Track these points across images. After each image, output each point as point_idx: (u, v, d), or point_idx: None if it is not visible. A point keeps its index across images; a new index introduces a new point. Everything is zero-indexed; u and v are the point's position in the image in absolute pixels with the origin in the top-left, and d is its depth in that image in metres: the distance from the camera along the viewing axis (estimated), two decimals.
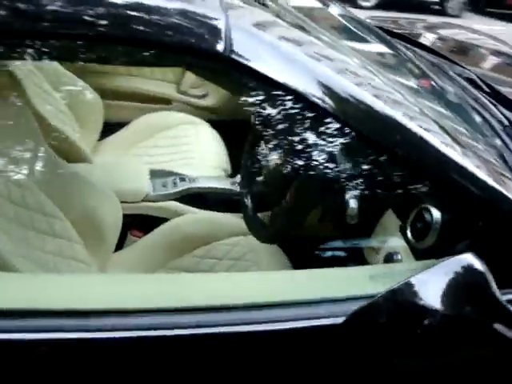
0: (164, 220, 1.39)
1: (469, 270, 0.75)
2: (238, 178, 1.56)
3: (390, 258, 0.94)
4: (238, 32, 0.71)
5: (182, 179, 1.49)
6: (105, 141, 1.78)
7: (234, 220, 1.43)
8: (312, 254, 1.29)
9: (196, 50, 0.68)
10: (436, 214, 0.86)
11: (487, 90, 1.36)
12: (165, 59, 0.76)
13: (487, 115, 1.17)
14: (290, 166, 0.92)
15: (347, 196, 0.89)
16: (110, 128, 1.79)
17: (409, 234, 0.91)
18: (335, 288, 0.78)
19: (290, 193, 0.98)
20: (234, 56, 0.68)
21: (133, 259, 1.31)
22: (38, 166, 1.10)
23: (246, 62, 0.69)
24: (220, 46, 0.67)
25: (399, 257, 0.92)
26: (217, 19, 0.71)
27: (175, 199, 1.44)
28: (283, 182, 1.00)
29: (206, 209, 1.46)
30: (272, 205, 1.10)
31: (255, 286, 0.79)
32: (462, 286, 0.76)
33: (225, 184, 1.54)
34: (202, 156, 1.74)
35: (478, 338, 0.79)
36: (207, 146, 1.80)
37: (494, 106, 1.24)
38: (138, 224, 1.40)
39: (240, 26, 0.74)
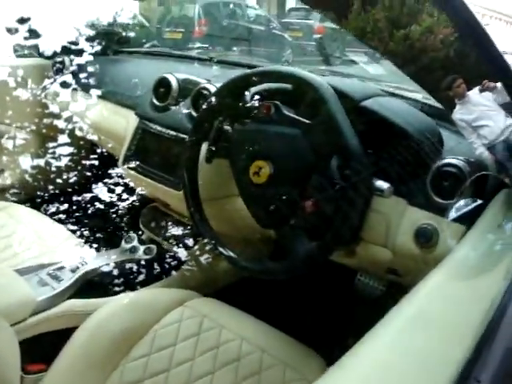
0: (67, 332, 0.94)
1: None
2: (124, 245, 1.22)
3: (424, 232, 0.81)
4: None
5: (59, 268, 1.06)
6: None
7: (159, 292, 1.09)
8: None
9: None
10: (461, 163, 0.80)
11: None
12: None
13: None
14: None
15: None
16: None
17: (436, 199, 0.81)
18: None
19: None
20: None
21: None
22: None
23: None
24: None
25: (434, 224, 0.81)
26: None
27: (69, 296, 1.00)
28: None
29: (115, 292, 1.07)
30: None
31: None
32: None
33: (115, 254, 1.17)
34: (46, 237, 1.28)
35: None
36: (39, 225, 1.34)
37: None
38: (31, 354, 0.91)
39: None
